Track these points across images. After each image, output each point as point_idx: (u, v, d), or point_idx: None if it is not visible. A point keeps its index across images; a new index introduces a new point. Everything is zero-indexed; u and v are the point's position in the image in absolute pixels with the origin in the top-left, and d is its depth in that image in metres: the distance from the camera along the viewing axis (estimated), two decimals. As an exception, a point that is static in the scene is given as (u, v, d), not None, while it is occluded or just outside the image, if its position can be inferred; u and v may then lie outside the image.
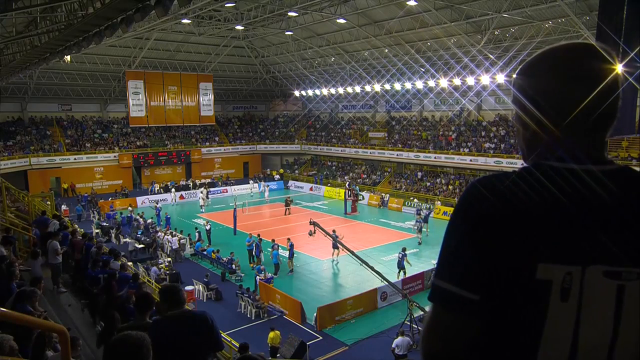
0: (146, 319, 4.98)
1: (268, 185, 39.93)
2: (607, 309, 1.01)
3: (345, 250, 19.07)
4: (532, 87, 1.12)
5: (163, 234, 24.27)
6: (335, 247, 20.79)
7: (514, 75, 1.19)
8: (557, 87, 1.08)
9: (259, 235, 22.19)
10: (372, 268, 17.37)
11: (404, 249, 19.64)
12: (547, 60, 1.11)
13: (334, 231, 21.52)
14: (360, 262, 17.60)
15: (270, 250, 21.20)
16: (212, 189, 40.40)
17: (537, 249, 1.01)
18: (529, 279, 1.01)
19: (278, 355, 13.16)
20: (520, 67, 1.17)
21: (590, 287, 1.00)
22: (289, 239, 21.44)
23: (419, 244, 24.45)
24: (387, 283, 17.21)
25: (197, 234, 25.04)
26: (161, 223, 28.29)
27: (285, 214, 32.33)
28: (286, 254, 20.99)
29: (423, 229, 25.17)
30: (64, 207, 30.58)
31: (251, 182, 42.36)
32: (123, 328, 5.01)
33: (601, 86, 1.06)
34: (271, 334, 13.43)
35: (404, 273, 18.90)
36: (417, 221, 26.11)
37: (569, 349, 1.01)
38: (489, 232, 1.04)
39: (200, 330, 3.64)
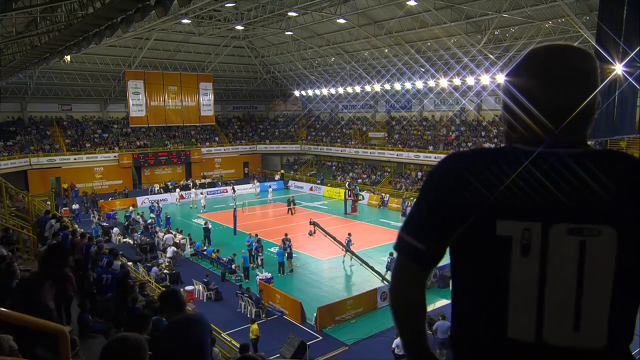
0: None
1: (270, 187, 39.84)
2: (570, 265, 1.07)
3: (349, 253, 19.11)
4: (517, 84, 1.21)
5: (163, 234, 24.26)
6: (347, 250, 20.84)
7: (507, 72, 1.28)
8: (538, 85, 1.17)
9: (257, 234, 22.18)
10: (372, 268, 17.40)
11: (391, 254, 19.49)
12: (531, 60, 1.21)
13: (349, 234, 21.47)
14: (361, 262, 17.64)
15: (273, 250, 21.23)
16: (211, 189, 40.41)
17: (495, 208, 1.10)
18: (490, 236, 1.11)
19: (278, 355, 13.19)
20: (512, 66, 1.26)
21: (554, 244, 1.07)
22: (288, 239, 21.46)
23: None
24: (387, 283, 17.23)
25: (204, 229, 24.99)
26: (161, 223, 28.30)
27: (287, 213, 32.30)
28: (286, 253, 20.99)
29: None
30: (74, 206, 30.57)
31: (255, 181, 42.30)
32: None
33: (580, 86, 1.15)
34: (254, 326, 13.66)
35: None
36: None
37: (536, 302, 1.08)
38: (453, 193, 1.15)
39: (206, 332, 3.88)
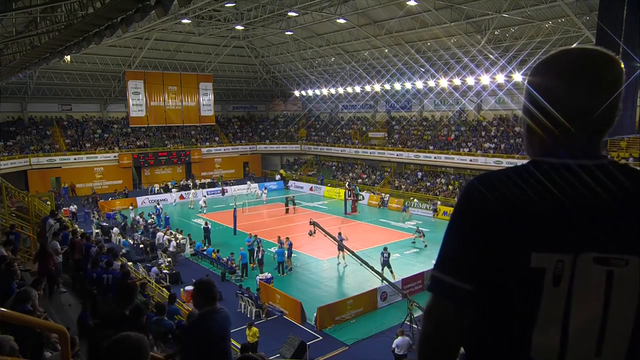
0: (126, 312, 4.99)
1: (266, 188, 39.48)
2: (597, 293, 1.07)
3: (348, 252, 19.08)
4: (538, 86, 1.18)
5: (163, 234, 24.25)
6: (340, 248, 20.79)
7: (529, 73, 1.24)
8: (561, 89, 1.14)
9: (255, 235, 22.12)
10: (372, 268, 17.39)
11: (385, 249, 19.62)
12: (555, 62, 1.17)
13: (339, 234, 21.54)
14: (361, 262, 17.61)
15: (273, 250, 21.22)
16: (211, 189, 40.37)
17: (530, 240, 1.09)
18: (524, 268, 1.09)
19: (278, 355, 13.18)
20: (534, 65, 1.23)
21: (580, 273, 1.07)
22: (287, 238, 21.47)
23: (413, 242, 24.54)
24: (387, 283, 17.23)
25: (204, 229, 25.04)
26: (161, 223, 28.29)
27: (287, 213, 32.33)
28: (286, 253, 20.97)
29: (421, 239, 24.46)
30: (72, 207, 30.66)
31: (248, 182, 42.25)
32: (106, 320, 5.05)
33: (603, 91, 1.12)
34: (254, 329, 13.50)
35: (391, 272, 18.74)
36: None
37: (561, 326, 1.08)
38: (486, 227, 1.12)
39: (230, 327, 4.16)
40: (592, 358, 1.08)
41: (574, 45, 1.23)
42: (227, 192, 40.66)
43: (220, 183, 42.71)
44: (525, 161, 1.21)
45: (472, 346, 1.23)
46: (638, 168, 1.16)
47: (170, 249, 22.15)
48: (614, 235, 1.07)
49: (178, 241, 23.56)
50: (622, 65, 1.15)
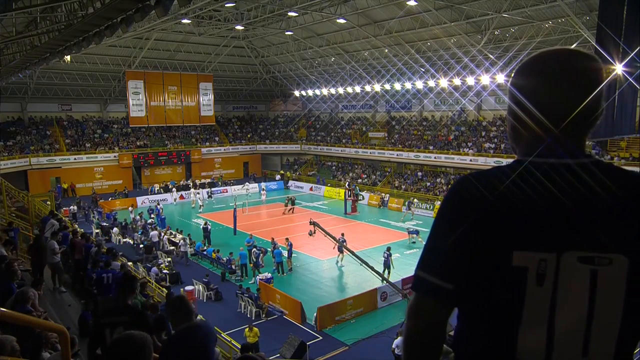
0: (128, 301, 4.97)
1: (264, 188, 39.22)
2: (582, 293, 1.07)
3: (348, 252, 19.10)
4: (522, 87, 1.19)
5: (163, 234, 24.26)
6: (340, 250, 20.80)
7: (512, 75, 1.25)
8: (544, 89, 1.15)
9: (254, 245, 22.00)
10: (372, 268, 17.41)
11: (388, 249, 19.74)
12: (539, 63, 1.18)
13: (342, 234, 21.54)
14: (361, 262, 17.63)
15: (271, 250, 21.21)
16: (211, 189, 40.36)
17: (512, 239, 1.09)
18: (506, 267, 1.09)
19: (278, 355, 13.19)
20: (516, 67, 1.24)
21: (565, 272, 1.07)
22: (287, 239, 21.47)
23: (413, 242, 24.56)
24: (387, 283, 17.25)
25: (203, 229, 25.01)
26: (160, 223, 28.28)
27: (284, 213, 32.35)
28: (285, 253, 20.98)
29: (418, 239, 24.56)
30: (73, 207, 30.72)
31: (247, 183, 42.07)
32: (107, 309, 5.09)
33: (585, 91, 1.12)
34: (255, 329, 13.50)
35: (389, 272, 18.85)
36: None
37: (547, 327, 1.08)
38: (475, 226, 1.12)
39: (212, 341, 3.85)
40: (579, 358, 1.08)
41: (573, 46, 1.24)
42: (227, 192, 40.52)
43: (220, 183, 42.62)
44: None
45: (460, 347, 1.24)
46: (623, 167, 1.17)
47: (181, 248, 22.59)
48: (598, 233, 1.06)
49: (178, 241, 23.58)
50: (601, 63, 1.16)
